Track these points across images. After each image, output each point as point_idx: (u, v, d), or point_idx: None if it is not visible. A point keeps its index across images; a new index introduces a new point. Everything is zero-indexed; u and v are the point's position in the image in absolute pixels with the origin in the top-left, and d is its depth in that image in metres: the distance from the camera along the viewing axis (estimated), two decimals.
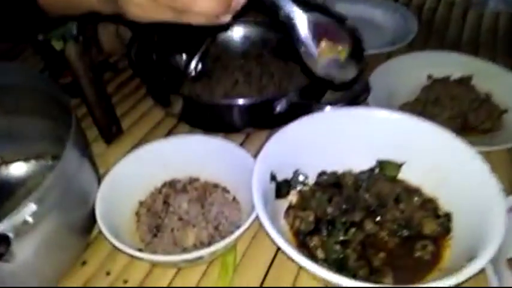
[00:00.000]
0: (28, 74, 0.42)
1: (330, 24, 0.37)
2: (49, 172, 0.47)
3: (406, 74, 0.61)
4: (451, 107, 0.55)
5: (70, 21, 0.46)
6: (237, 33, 0.69)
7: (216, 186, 0.48)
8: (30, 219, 0.32)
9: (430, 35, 0.76)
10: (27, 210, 0.31)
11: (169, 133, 0.57)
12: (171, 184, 0.48)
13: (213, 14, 0.34)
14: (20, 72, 0.43)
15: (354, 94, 0.49)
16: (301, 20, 0.35)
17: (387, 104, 0.57)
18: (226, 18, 0.35)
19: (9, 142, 0.47)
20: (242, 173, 0.45)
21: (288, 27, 0.36)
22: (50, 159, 0.48)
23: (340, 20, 0.38)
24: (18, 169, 0.45)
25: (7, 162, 0.47)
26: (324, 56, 0.38)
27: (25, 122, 0.47)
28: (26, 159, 0.47)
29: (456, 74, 0.61)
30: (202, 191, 0.47)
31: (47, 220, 0.34)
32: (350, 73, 0.39)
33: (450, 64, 0.63)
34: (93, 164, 0.43)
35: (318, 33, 0.36)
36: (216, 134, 0.55)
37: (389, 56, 0.67)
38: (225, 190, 0.47)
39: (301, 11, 0.35)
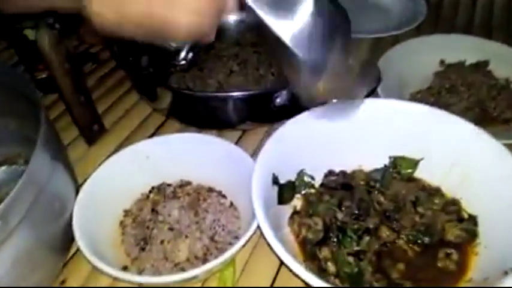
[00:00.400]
0: None
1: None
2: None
3: (416, 59, 0.56)
4: (468, 95, 0.50)
5: None
6: (231, 17, 0.63)
7: (210, 190, 0.42)
8: None
9: (439, 18, 0.70)
10: None
11: (157, 131, 0.52)
12: (159, 189, 0.42)
13: (197, 35, 0.30)
14: None
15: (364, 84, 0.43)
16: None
17: (398, 92, 0.52)
18: (211, 38, 0.31)
19: None
20: (240, 175, 0.40)
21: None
22: (22, 163, 0.42)
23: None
24: None
25: None
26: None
27: None
28: None
29: (470, 59, 0.56)
30: (195, 196, 0.42)
31: (15, 237, 0.29)
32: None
33: (463, 48, 0.57)
34: (70, 169, 0.38)
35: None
36: (209, 131, 0.50)
37: (396, 40, 0.62)
38: (221, 195, 0.42)
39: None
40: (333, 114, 0.42)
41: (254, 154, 0.47)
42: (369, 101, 0.43)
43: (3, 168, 0.42)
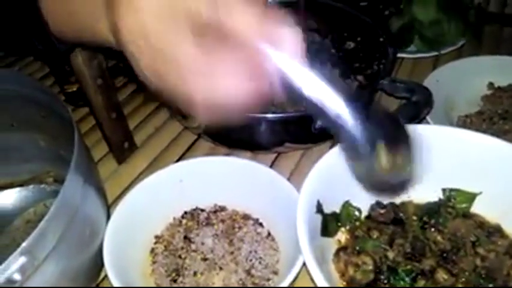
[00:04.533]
0: (24, 82, 0.35)
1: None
2: (50, 199, 0.40)
3: (463, 81, 0.53)
4: None
5: None
6: None
7: (246, 217, 0.40)
8: (17, 277, 0.24)
9: (482, 38, 0.67)
10: (13, 267, 0.24)
11: (189, 150, 0.50)
12: (192, 214, 0.40)
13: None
14: (16, 80, 0.35)
15: (415, 109, 0.40)
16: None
17: (445, 116, 0.48)
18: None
19: (4, 162, 0.40)
20: (277, 201, 0.38)
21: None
22: (51, 182, 0.41)
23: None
24: (14, 195, 0.38)
25: (2, 187, 0.39)
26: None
27: (22, 138, 0.40)
28: (24, 183, 0.40)
29: None
30: (229, 224, 0.39)
31: (41, 272, 0.26)
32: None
33: None
34: (102, 192, 0.36)
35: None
36: (241, 152, 0.48)
37: (436, 61, 0.59)
38: (258, 223, 0.39)
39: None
40: None
41: (290, 178, 0.45)
42: (420, 127, 0.40)
43: (31, 187, 0.40)
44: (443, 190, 0.39)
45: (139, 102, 0.56)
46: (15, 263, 0.24)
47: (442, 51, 0.57)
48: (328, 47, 0.59)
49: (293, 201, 0.34)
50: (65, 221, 0.28)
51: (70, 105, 0.55)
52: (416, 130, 0.39)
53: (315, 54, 0.59)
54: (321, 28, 0.60)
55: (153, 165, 0.48)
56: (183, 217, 0.40)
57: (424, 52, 0.58)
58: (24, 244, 0.25)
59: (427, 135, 0.39)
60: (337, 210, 0.36)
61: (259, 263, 0.36)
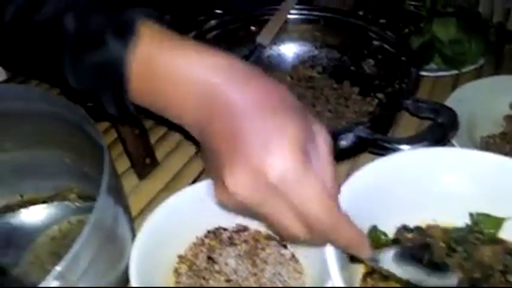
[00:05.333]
0: (54, 101, 0.35)
1: None
2: (73, 216, 0.41)
3: (486, 101, 0.52)
4: None
5: None
6: (284, 49, 0.61)
7: (269, 238, 0.39)
8: None
9: (502, 56, 0.66)
10: None
11: None
12: (215, 234, 0.40)
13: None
14: (44, 99, 0.36)
15: (441, 131, 0.40)
16: None
17: (467, 136, 0.48)
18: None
19: (29, 177, 0.41)
20: None
21: None
22: (75, 198, 0.41)
23: None
24: (39, 212, 0.38)
25: (27, 202, 0.40)
26: None
27: (47, 154, 0.40)
28: (48, 200, 0.40)
29: None
30: (252, 244, 0.39)
31: None
32: None
33: None
34: (128, 211, 0.36)
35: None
36: None
37: (456, 79, 0.59)
38: (281, 244, 0.39)
39: None
40: (407, 163, 0.39)
41: None
42: (445, 150, 0.40)
43: (55, 203, 0.40)
44: (470, 215, 0.38)
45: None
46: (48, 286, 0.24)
47: (463, 70, 0.57)
48: (347, 64, 0.59)
49: None
50: (97, 244, 0.27)
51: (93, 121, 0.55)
52: (442, 153, 0.39)
53: (334, 71, 0.60)
54: (340, 45, 0.60)
55: (174, 182, 0.48)
56: (206, 236, 0.40)
57: (444, 70, 0.58)
58: (58, 268, 0.24)
59: (453, 159, 0.39)
60: None
61: (284, 286, 0.36)
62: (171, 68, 0.27)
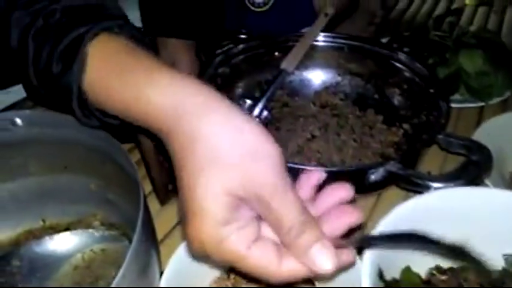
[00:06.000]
0: (84, 129, 0.35)
1: None
2: (97, 244, 0.40)
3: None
4: None
5: None
6: (307, 75, 0.61)
7: None
8: None
9: None
10: None
11: None
12: None
13: None
14: (74, 126, 0.35)
15: (476, 170, 0.39)
16: None
17: (497, 172, 0.47)
18: None
19: (53, 202, 0.40)
20: None
21: None
22: (98, 226, 0.40)
23: None
24: (62, 239, 0.38)
25: (50, 228, 0.39)
26: None
27: (73, 180, 0.39)
28: (71, 226, 0.39)
29: None
30: None
31: None
32: None
33: None
34: (156, 244, 0.35)
35: None
36: None
37: (482, 111, 0.58)
38: (309, 280, 0.38)
39: None
40: (440, 201, 0.38)
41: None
42: (480, 190, 0.39)
43: (79, 231, 0.39)
44: (505, 257, 0.37)
45: None
46: None
47: (489, 102, 0.57)
48: (371, 92, 0.59)
49: None
50: (132, 283, 0.27)
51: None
52: (477, 193, 0.38)
53: (357, 98, 0.59)
54: (364, 73, 0.59)
55: None
56: (230, 270, 0.39)
57: (470, 102, 0.58)
58: None
59: (488, 199, 0.38)
60: (397, 276, 0.35)
61: None
62: (123, 96, 0.29)
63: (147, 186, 0.48)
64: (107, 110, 0.31)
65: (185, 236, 0.27)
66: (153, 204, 0.47)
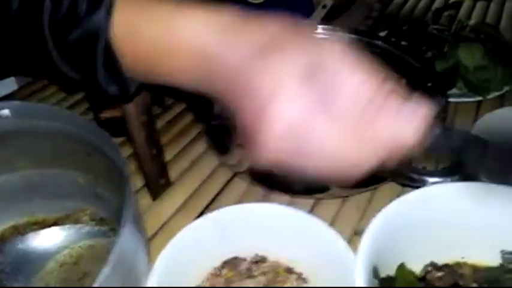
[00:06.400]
0: (72, 120, 0.34)
1: None
2: (85, 240, 0.39)
3: (510, 129, 0.51)
4: None
5: None
6: None
7: (289, 271, 0.38)
8: None
9: None
10: None
11: (225, 187, 0.48)
12: (233, 264, 0.38)
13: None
14: (59, 117, 0.34)
15: (471, 166, 0.38)
16: None
17: None
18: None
19: (39, 197, 0.39)
20: (325, 256, 0.35)
21: None
22: (87, 221, 0.39)
23: None
24: (49, 235, 0.37)
25: (36, 224, 0.38)
26: None
27: (60, 174, 0.38)
28: (59, 221, 0.38)
29: None
30: (271, 277, 0.37)
31: None
32: None
33: None
34: (145, 239, 0.34)
35: None
36: (279, 196, 0.46)
37: (479, 105, 0.58)
38: (301, 278, 0.37)
39: None
40: (435, 197, 0.37)
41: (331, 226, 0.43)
42: (476, 185, 0.38)
43: (66, 226, 0.38)
44: (502, 252, 0.36)
45: (175, 133, 0.54)
46: None
47: (487, 97, 0.56)
48: None
49: (341, 256, 0.33)
50: (117, 280, 0.26)
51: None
52: (473, 188, 0.37)
53: None
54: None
55: (188, 204, 0.46)
56: (223, 267, 0.38)
57: (467, 96, 0.57)
58: None
59: (483, 194, 0.37)
60: (391, 273, 0.34)
61: None
62: (157, 33, 0.27)
63: (138, 181, 0.47)
64: (133, 58, 0.29)
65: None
66: (145, 199, 0.46)
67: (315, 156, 0.26)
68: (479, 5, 0.82)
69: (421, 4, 0.83)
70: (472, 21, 0.74)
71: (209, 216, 0.38)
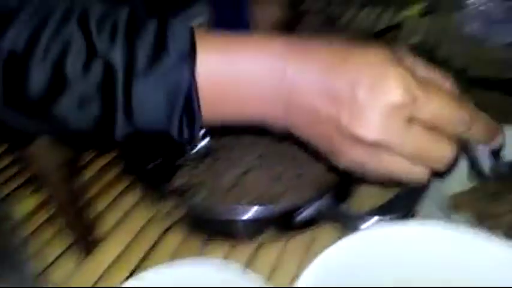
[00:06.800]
0: None
1: None
2: None
3: None
4: None
5: None
6: None
7: None
8: None
9: None
10: None
11: (159, 240, 0.44)
12: None
13: None
14: None
15: (409, 199, 0.37)
16: None
17: (435, 196, 0.44)
18: None
19: None
20: None
21: None
22: None
23: None
24: None
25: None
26: None
27: None
28: None
29: None
30: None
31: None
32: None
33: None
34: None
35: None
36: (218, 245, 0.43)
37: None
38: None
39: None
40: (377, 241, 0.35)
41: (270, 278, 0.40)
42: (408, 227, 0.36)
43: None
44: None
45: (107, 181, 0.51)
46: None
47: None
48: None
49: None
50: None
51: None
52: (406, 231, 0.35)
53: None
54: None
55: (120, 260, 0.42)
56: None
57: None
58: None
59: (419, 237, 0.35)
60: None
61: None
62: (237, 71, 0.29)
63: (63, 242, 0.43)
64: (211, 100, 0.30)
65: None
66: (72, 259, 0.42)
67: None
68: (423, 21, 0.80)
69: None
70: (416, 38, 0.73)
71: (139, 277, 0.34)
